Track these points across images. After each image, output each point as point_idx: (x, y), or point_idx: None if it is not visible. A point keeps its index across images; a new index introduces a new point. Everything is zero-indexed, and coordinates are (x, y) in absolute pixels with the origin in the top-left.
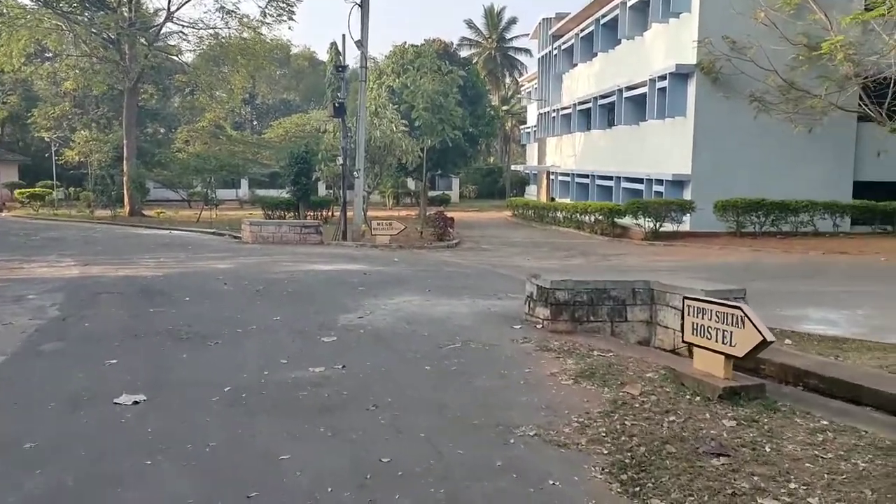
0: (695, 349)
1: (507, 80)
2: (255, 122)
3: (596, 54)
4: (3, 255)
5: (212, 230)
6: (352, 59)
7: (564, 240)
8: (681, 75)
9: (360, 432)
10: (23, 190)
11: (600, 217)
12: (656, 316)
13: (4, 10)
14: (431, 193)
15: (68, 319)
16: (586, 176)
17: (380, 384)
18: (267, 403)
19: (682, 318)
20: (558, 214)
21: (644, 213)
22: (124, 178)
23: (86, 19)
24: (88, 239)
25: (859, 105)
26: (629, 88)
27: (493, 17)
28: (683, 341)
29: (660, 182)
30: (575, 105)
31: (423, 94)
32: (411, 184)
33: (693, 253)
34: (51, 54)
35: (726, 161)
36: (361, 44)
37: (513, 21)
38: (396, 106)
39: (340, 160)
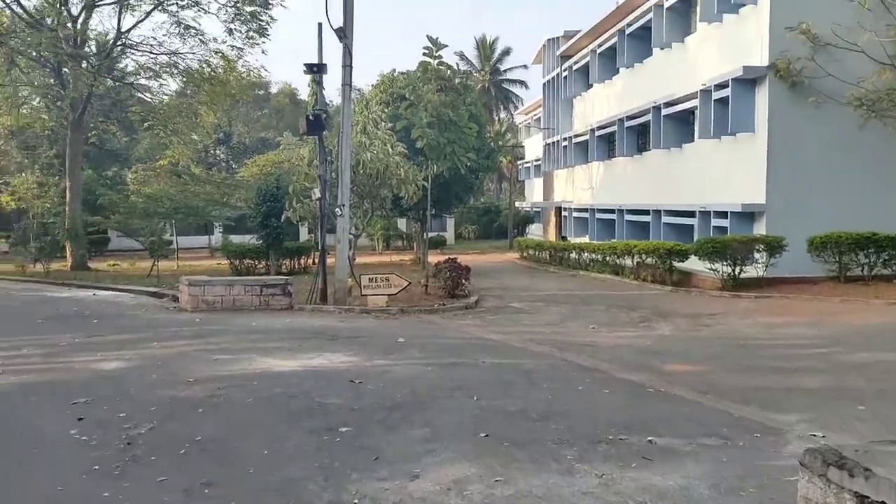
0: None
1: (502, 114)
2: (231, 164)
3: (618, 71)
4: None
5: (154, 289)
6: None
7: (610, 291)
8: (747, 81)
9: None
10: None
11: (651, 260)
12: None
13: None
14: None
15: None
16: (611, 211)
17: None
18: None
19: None
20: (584, 256)
21: (720, 254)
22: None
23: (18, 41)
24: None
25: None
26: (668, 105)
27: (485, 48)
28: None
29: (722, 215)
30: (593, 131)
31: (428, 105)
32: (402, 224)
33: (812, 310)
34: None
35: (810, 186)
36: (344, 34)
37: (506, 52)
38: (391, 126)
39: (317, 193)
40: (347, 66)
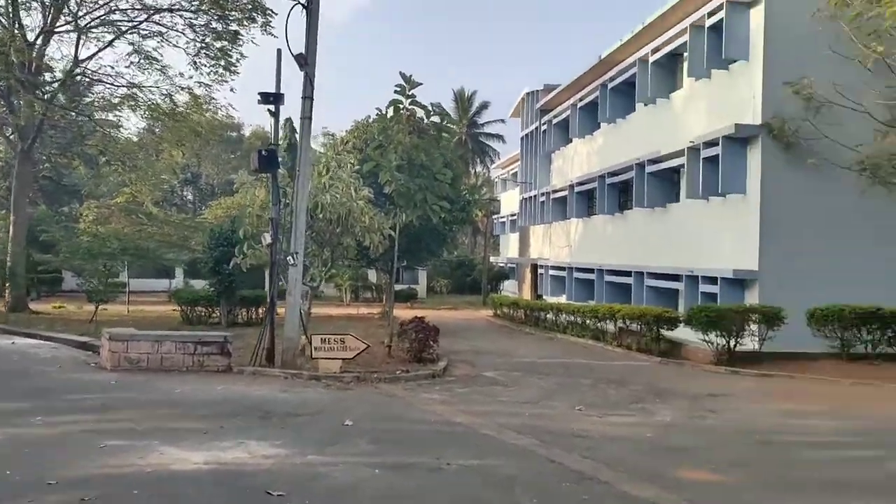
0: None
1: (478, 167)
2: (198, 205)
3: (600, 126)
4: None
5: (86, 339)
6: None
7: (594, 360)
8: (738, 140)
9: None
10: None
11: (636, 326)
12: None
13: None
14: (396, 287)
15: None
16: (591, 270)
17: None
18: None
19: None
20: (562, 318)
21: (715, 324)
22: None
23: None
24: None
25: None
26: (652, 162)
27: (463, 101)
28: None
29: (711, 280)
30: (572, 186)
31: (398, 147)
32: (372, 276)
33: (824, 394)
34: None
35: (806, 253)
36: (305, 60)
37: (484, 106)
38: (358, 168)
39: (267, 239)
40: (308, 97)
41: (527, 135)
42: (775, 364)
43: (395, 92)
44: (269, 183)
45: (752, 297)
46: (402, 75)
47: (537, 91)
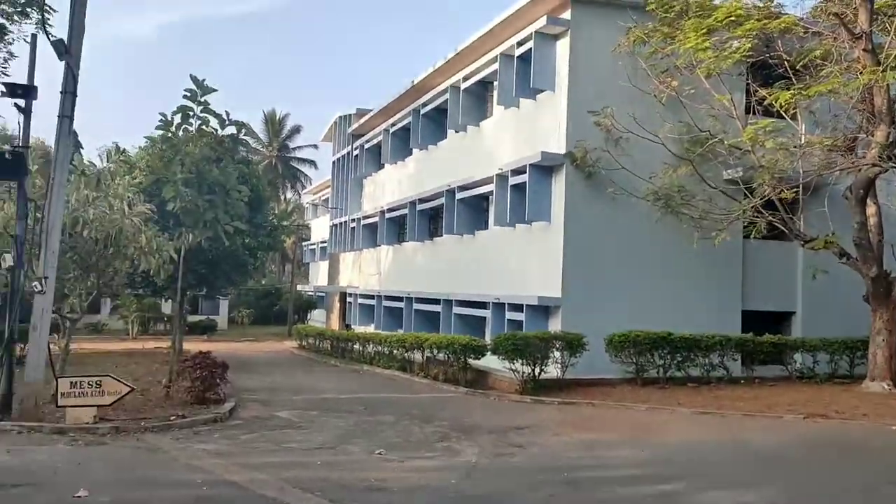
0: None
1: (289, 193)
2: None
3: (412, 152)
4: None
5: None
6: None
7: (399, 393)
8: (544, 168)
9: None
10: None
11: (443, 356)
12: None
13: None
14: (193, 318)
15: None
16: (400, 299)
17: None
18: None
19: None
20: (369, 349)
21: (521, 352)
22: None
23: None
24: None
25: (776, 219)
26: (463, 189)
27: (274, 123)
28: None
29: (517, 308)
30: (383, 213)
31: (186, 158)
32: (167, 306)
33: (625, 422)
34: None
35: (606, 280)
36: (67, 49)
37: (296, 129)
38: (138, 182)
39: (8, 260)
40: (70, 92)
41: (338, 159)
42: (577, 391)
43: (184, 97)
44: (15, 195)
45: (555, 325)
46: (194, 78)
47: (349, 115)
